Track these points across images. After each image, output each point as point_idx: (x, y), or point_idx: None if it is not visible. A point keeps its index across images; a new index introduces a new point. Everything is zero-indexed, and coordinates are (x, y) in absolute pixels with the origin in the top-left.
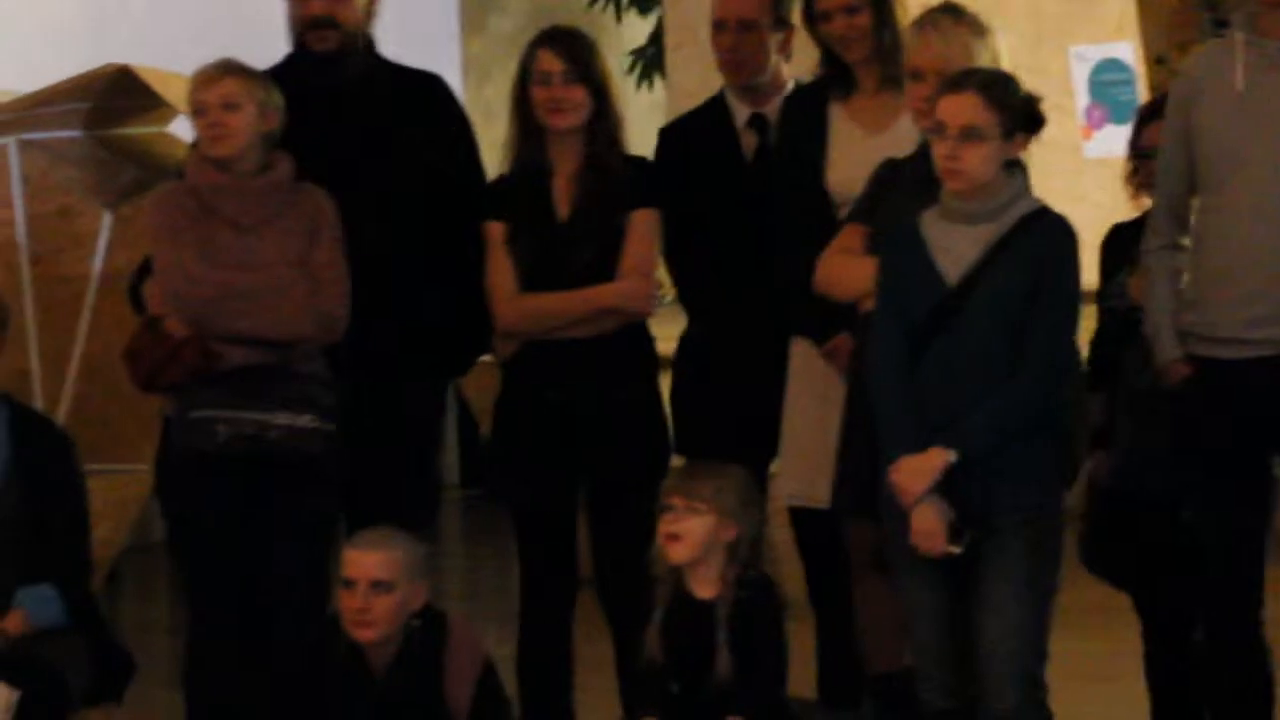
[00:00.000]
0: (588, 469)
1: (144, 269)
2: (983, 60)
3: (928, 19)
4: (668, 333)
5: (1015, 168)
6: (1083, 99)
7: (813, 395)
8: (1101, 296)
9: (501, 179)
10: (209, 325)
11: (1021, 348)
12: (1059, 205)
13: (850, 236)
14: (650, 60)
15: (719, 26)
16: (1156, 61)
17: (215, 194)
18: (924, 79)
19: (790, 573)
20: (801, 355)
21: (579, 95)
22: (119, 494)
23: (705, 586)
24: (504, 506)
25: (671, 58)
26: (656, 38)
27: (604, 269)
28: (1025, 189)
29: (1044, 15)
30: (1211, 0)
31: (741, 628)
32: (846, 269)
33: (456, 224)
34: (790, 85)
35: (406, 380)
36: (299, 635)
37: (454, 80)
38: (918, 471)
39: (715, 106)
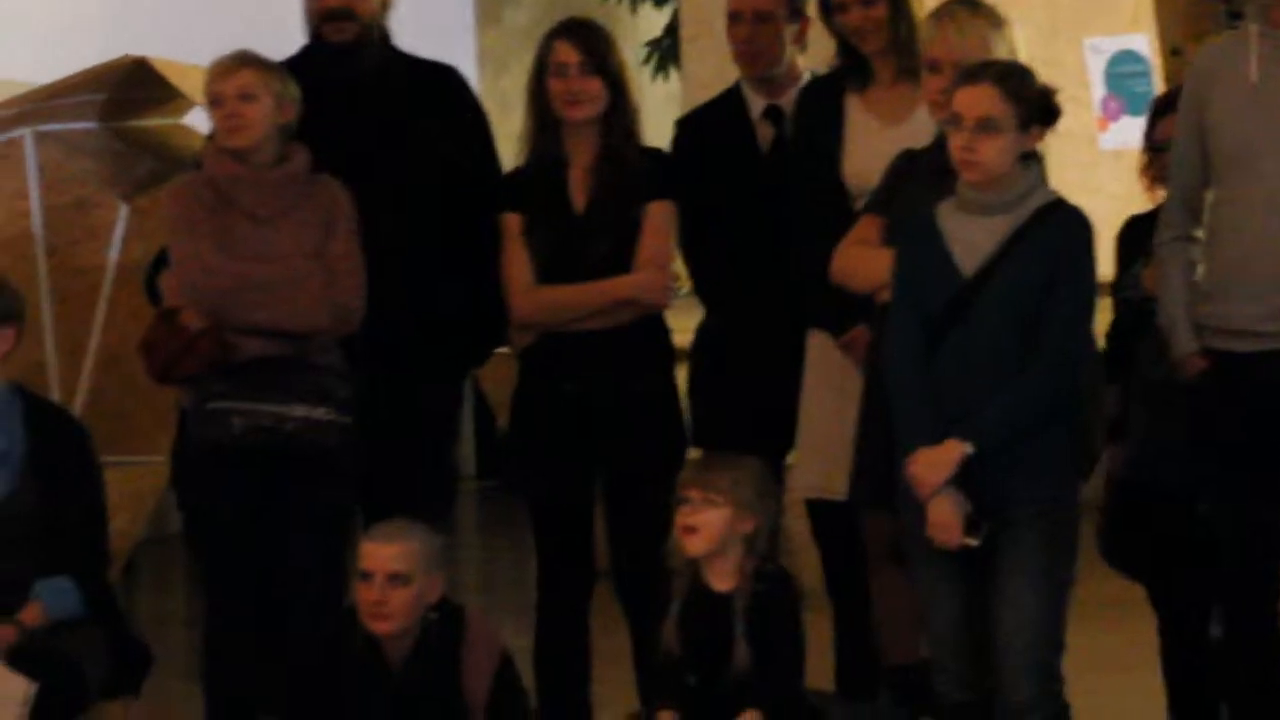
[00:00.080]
0: (604, 461)
1: (160, 260)
2: (1000, 52)
3: (945, 11)
4: (684, 324)
5: (1031, 159)
6: (1098, 91)
7: (829, 387)
8: (1117, 288)
9: (518, 171)
10: (225, 316)
11: (1037, 340)
12: (1074, 197)
13: (867, 228)
14: (666, 52)
15: (734, 18)
16: (1172, 53)
17: (232, 185)
18: (941, 71)
19: (807, 564)
20: (818, 347)
21: (595, 87)
22: (135, 486)
23: (722, 579)
24: (520, 498)
25: (687, 49)
26: (672, 29)
27: (620, 261)
28: (1041, 181)
29: (1060, 7)
30: None
31: (759, 620)
32: (863, 260)
33: (472, 215)
34: (806, 77)
35: (422, 372)
36: (315, 627)
37: (469, 72)
38: (934, 464)
39: (731, 98)
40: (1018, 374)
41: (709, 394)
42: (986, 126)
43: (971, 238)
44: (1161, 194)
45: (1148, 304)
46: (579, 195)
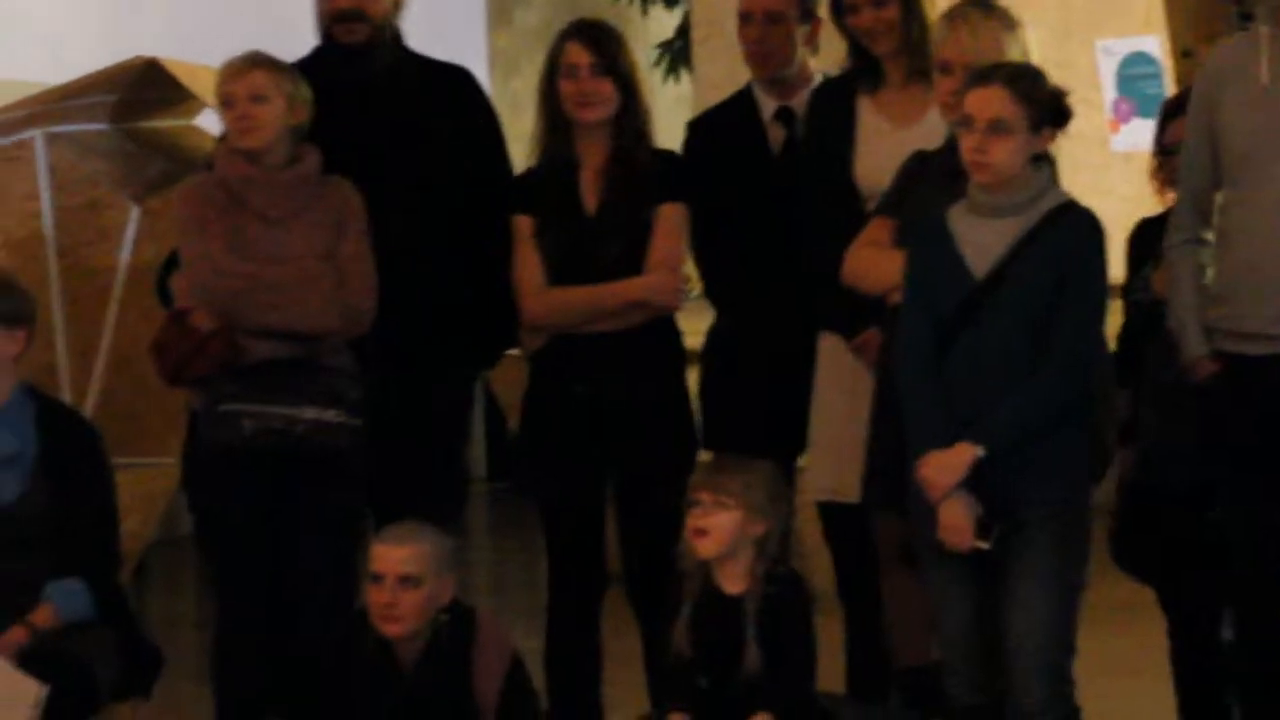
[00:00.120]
0: (615, 463)
1: (171, 262)
2: (1012, 54)
3: (957, 12)
4: (695, 327)
5: (1043, 161)
6: (1110, 93)
7: (841, 390)
8: (1127, 290)
9: (529, 172)
10: (237, 318)
11: (1048, 342)
12: (1086, 199)
13: (878, 230)
14: (677, 53)
15: (746, 19)
16: (1183, 55)
17: (244, 186)
18: (952, 72)
19: (818, 566)
20: (830, 349)
21: (607, 88)
22: (146, 487)
23: (733, 581)
24: (531, 500)
25: (698, 51)
26: (683, 31)
27: (632, 263)
28: (1052, 182)
29: (1071, 8)
30: None
31: (770, 623)
32: (874, 262)
33: (484, 217)
34: (817, 78)
35: (433, 373)
36: (325, 630)
37: (480, 73)
38: (945, 466)
39: (742, 100)
40: (1029, 376)
41: (720, 396)
42: (998, 128)
43: (982, 240)
44: (1172, 197)
45: (1158, 307)
46: (590, 197)
